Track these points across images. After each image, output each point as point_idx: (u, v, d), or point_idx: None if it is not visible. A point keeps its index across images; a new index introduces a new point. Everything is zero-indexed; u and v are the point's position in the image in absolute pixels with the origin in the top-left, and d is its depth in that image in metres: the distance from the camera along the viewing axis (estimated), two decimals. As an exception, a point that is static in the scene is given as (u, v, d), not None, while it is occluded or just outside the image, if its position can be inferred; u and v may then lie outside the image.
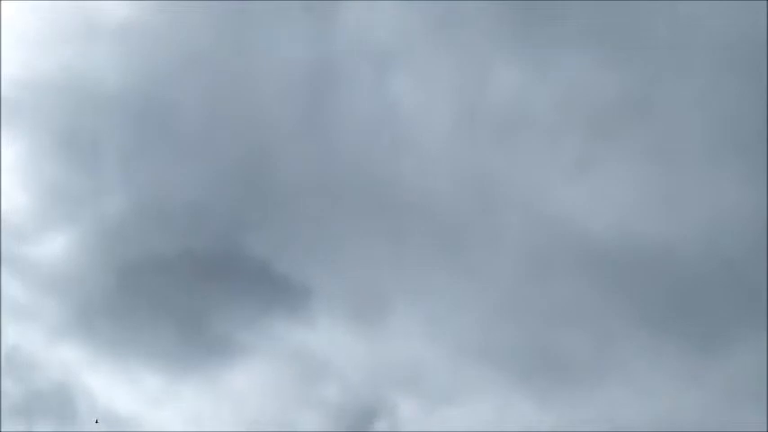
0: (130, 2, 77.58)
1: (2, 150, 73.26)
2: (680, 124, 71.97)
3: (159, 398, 68.12)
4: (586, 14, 73.97)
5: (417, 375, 68.56)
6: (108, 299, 71.27)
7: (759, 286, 64.58)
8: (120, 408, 67.37)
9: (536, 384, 67.16)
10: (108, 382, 68.50)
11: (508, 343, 69.06)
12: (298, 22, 77.28)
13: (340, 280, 71.84)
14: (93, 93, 77.06)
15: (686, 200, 70.97)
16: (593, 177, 72.98)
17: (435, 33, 78.31)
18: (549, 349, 68.65)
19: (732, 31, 70.53)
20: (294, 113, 76.64)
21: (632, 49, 73.59)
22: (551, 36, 74.85)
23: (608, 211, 71.58)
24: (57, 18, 77.42)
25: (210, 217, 75.17)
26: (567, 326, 69.12)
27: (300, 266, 71.58)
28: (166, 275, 71.51)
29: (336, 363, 68.46)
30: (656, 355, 66.83)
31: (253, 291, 71.94)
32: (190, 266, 71.97)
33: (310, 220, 74.06)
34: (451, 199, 74.75)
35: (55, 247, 72.67)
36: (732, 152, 69.32)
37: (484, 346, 68.89)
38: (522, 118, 75.53)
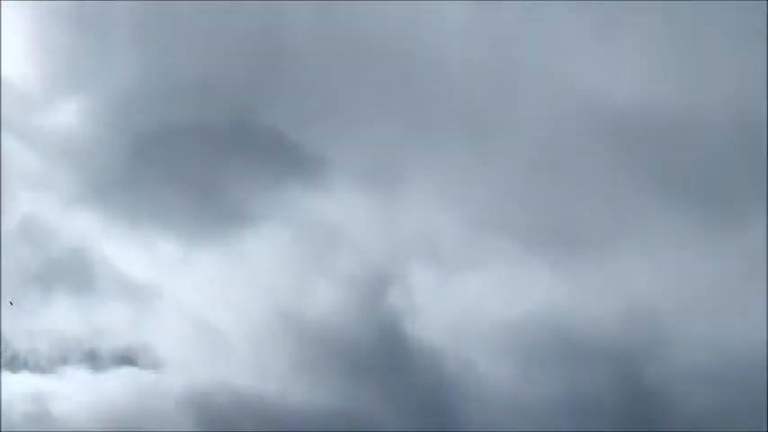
0: None
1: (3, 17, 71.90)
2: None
3: (175, 265, 68.54)
4: None
5: (432, 244, 68.50)
6: (122, 168, 71.19)
7: (779, 158, 63.85)
8: (136, 275, 67.90)
9: (550, 254, 67.10)
10: (124, 250, 68.91)
11: (523, 212, 68.85)
12: None
13: (355, 149, 71.40)
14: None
15: (707, 68, 69.59)
16: (612, 46, 71.51)
17: None
18: (563, 219, 68.38)
19: None
20: (308, -18, 75.05)
21: None
22: None
23: (627, 79, 70.34)
24: None
25: (224, 87, 74.43)
26: (583, 196, 68.68)
27: (315, 136, 71.08)
28: (181, 145, 71.22)
29: (351, 231, 68.46)
30: (672, 226, 66.51)
31: (267, 160, 71.64)
32: (204, 136, 71.59)
33: (325, 90, 73.22)
34: (469, 68, 73.60)
35: (67, 116, 72.25)
36: (754, 20, 67.56)
37: (498, 216, 68.69)
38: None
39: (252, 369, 65.40)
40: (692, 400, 58.62)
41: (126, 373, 66.61)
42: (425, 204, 69.58)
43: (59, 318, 66.36)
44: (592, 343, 61.78)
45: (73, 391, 65.14)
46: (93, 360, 71.68)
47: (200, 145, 71.19)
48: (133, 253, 68.94)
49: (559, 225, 68.41)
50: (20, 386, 62.57)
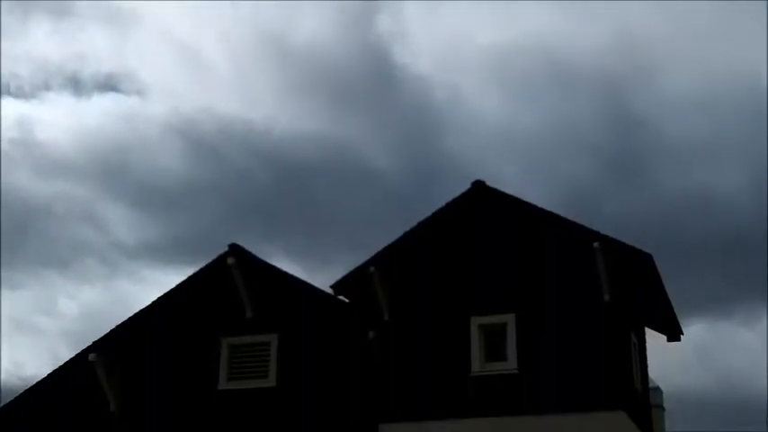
0: None
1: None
2: None
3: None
4: None
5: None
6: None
7: None
8: None
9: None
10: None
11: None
12: None
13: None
14: None
15: None
16: None
17: None
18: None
19: None
20: None
21: None
22: None
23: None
24: None
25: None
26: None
27: None
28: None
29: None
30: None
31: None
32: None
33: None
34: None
35: None
36: None
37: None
38: None
39: (238, 96, 62.56)
40: (682, 128, 55.63)
41: (109, 99, 63.86)
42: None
43: (39, 42, 62.51)
44: (582, 72, 57.38)
45: (56, 116, 62.91)
46: (76, 86, 69.36)
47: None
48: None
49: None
50: (3, 111, 59.67)
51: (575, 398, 18.11)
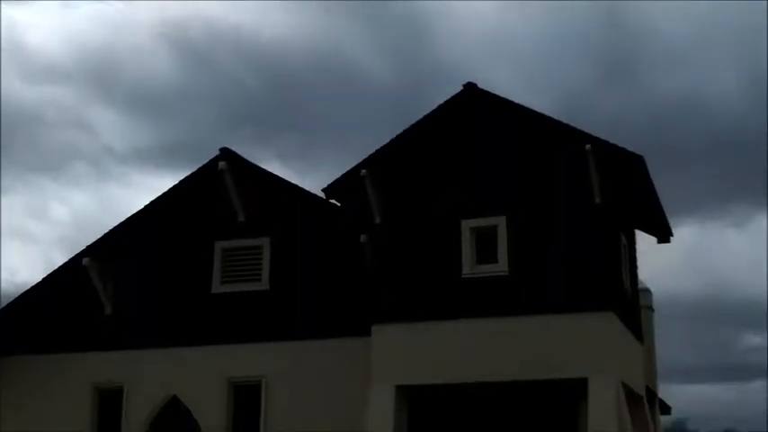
0: None
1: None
2: None
3: None
4: None
5: None
6: None
7: None
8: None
9: None
10: None
11: None
12: None
13: None
14: None
15: None
16: None
17: None
18: None
19: None
20: None
21: None
22: None
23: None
24: None
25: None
26: None
27: None
28: None
29: None
30: None
31: None
32: None
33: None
34: None
35: None
36: None
37: None
38: None
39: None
40: (674, 29, 55.46)
41: (97, 3, 63.71)
42: None
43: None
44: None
45: (44, 21, 62.79)
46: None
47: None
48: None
49: None
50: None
51: (564, 299, 18.29)
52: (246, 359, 20.89)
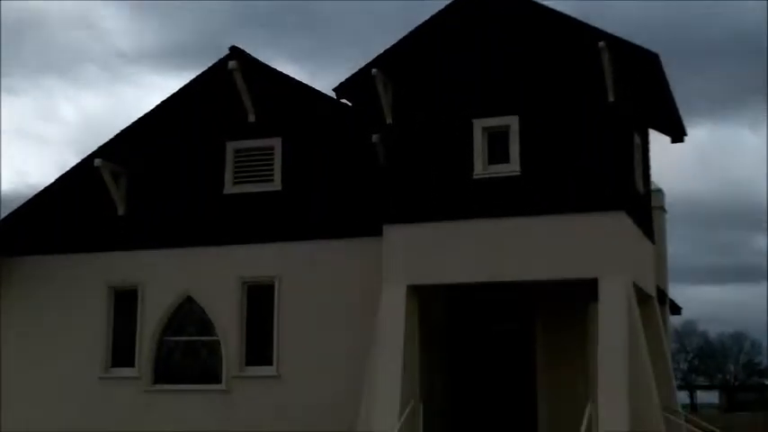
0: None
1: None
2: None
3: None
4: None
5: None
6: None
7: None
8: None
9: None
10: None
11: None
12: None
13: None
14: None
15: None
16: None
17: None
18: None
19: None
20: None
21: None
22: None
23: None
24: None
25: None
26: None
27: None
28: None
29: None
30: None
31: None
32: None
33: None
34: None
35: None
36: None
37: None
38: None
39: None
40: None
41: None
42: None
43: None
44: None
45: None
46: None
47: None
48: None
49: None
50: None
51: (576, 199, 18.23)
52: (259, 259, 21.03)
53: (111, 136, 22.41)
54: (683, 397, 77.97)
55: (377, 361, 18.59)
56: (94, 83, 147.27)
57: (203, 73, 22.16)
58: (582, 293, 18.42)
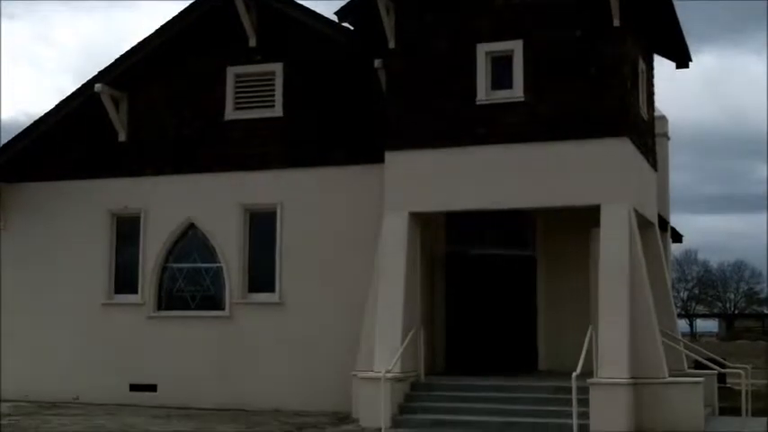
0: None
1: None
2: None
3: None
4: None
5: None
6: None
7: None
8: None
9: None
10: None
11: None
12: None
13: None
14: None
15: None
16: None
17: None
18: None
19: None
20: None
21: None
22: None
23: None
24: None
25: None
26: None
27: None
28: None
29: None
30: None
31: None
32: None
33: None
34: None
35: None
36: None
37: None
38: None
39: None
40: None
41: None
42: None
43: None
44: None
45: None
46: None
47: None
48: None
49: None
50: None
51: (580, 124, 18.07)
52: (261, 186, 20.98)
53: (111, 61, 22.17)
54: (682, 325, 78.59)
55: (378, 288, 18.62)
56: (92, 7, 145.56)
57: (202, -5, 21.83)
58: (584, 220, 18.39)
